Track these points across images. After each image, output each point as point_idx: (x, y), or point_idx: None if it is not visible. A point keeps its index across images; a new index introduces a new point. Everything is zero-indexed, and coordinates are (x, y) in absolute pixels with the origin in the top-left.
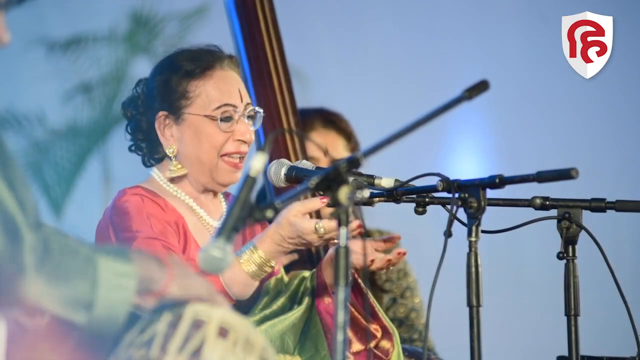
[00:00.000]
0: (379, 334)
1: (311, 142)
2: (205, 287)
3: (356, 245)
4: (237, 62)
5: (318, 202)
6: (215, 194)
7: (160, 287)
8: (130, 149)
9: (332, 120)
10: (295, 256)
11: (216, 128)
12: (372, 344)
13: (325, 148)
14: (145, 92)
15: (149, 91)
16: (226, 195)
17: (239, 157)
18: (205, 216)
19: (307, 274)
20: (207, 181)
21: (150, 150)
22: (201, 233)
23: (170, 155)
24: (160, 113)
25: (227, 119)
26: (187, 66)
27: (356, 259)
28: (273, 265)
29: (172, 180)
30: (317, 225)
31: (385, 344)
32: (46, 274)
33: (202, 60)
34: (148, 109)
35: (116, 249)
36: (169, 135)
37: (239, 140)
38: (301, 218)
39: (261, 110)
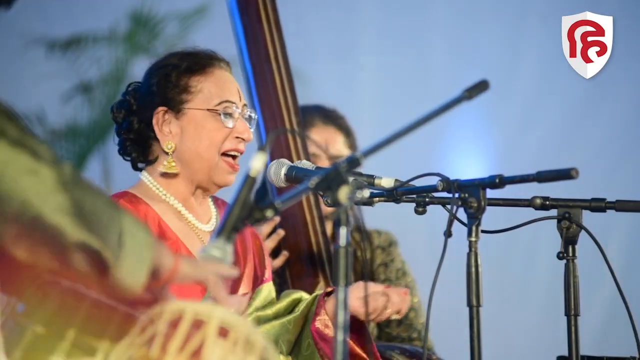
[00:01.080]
0: None
1: (312, 141)
2: (214, 271)
3: (358, 292)
4: (231, 67)
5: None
6: (204, 195)
7: (172, 266)
8: (119, 152)
9: (330, 117)
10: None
11: (217, 123)
12: None
13: (326, 147)
14: (140, 91)
15: (146, 89)
16: (215, 199)
17: (235, 157)
18: (194, 220)
19: (300, 296)
20: (203, 179)
21: (142, 152)
22: (189, 237)
23: (167, 152)
24: (160, 108)
25: (228, 115)
26: (187, 62)
27: (358, 306)
28: None
29: (164, 178)
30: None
31: None
32: (79, 205)
33: (202, 58)
34: (143, 106)
35: None
36: (167, 131)
37: (237, 138)
38: None
39: (255, 115)
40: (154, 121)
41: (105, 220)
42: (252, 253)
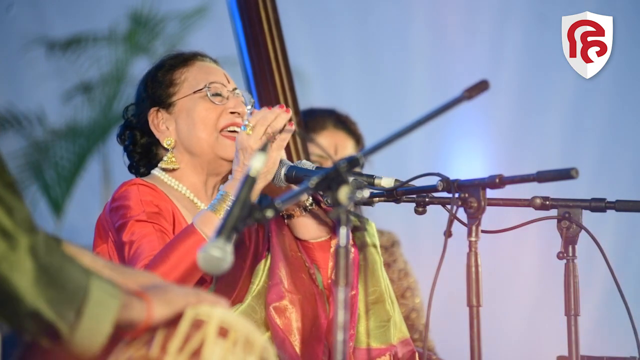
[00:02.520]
0: None
1: (315, 145)
2: (192, 293)
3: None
4: (219, 64)
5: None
6: (216, 184)
7: (144, 316)
8: (127, 156)
9: (342, 121)
10: None
11: (207, 103)
12: None
13: (328, 153)
14: (134, 105)
15: (138, 98)
16: None
17: (236, 132)
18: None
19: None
20: (210, 159)
21: (149, 160)
22: None
23: (167, 147)
24: (152, 110)
25: (216, 94)
26: (170, 61)
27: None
28: None
29: (175, 172)
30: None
31: None
32: (46, 274)
33: (184, 54)
34: (140, 116)
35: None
36: (164, 128)
37: (232, 112)
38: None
39: (251, 98)
40: (150, 123)
41: (68, 291)
42: (257, 231)
